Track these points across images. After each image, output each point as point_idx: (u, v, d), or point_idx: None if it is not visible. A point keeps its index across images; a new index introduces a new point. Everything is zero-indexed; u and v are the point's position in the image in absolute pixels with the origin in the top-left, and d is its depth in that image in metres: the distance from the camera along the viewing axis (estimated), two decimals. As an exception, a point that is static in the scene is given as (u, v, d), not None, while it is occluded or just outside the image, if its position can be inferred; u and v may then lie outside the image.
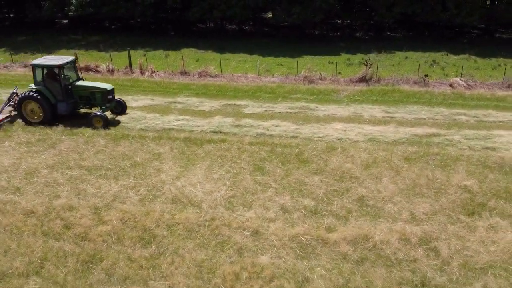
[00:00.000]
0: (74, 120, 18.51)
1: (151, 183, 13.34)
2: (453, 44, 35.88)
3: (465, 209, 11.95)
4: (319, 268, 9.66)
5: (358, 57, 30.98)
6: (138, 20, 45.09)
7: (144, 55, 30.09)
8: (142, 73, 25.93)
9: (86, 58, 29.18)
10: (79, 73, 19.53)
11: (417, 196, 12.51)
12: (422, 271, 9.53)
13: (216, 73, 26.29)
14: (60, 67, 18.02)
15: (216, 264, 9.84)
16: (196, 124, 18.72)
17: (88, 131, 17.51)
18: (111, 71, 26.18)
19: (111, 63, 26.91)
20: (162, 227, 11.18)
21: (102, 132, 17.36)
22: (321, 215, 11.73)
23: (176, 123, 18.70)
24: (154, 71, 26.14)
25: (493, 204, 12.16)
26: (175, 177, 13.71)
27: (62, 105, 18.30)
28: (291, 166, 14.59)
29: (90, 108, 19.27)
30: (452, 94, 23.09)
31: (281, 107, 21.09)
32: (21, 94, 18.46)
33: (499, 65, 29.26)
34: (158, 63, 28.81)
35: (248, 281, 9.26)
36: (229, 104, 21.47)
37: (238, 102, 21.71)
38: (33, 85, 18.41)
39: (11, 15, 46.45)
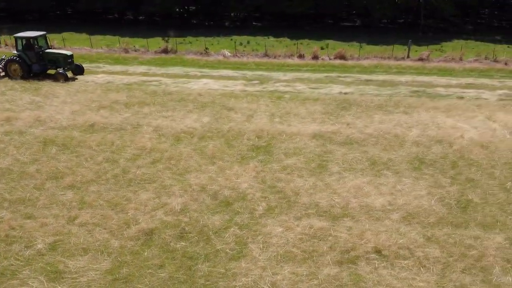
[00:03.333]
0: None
1: None
2: (296, 30, 44.37)
3: (129, 105, 20.39)
4: None
5: (190, 39, 39.69)
6: (58, 12, 54.11)
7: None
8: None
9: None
10: (49, 43, 26.99)
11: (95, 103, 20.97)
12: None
13: (60, 46, 34.84)
14: (34, 38, 25.15)
15: None
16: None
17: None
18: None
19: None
20: None
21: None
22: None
23: None
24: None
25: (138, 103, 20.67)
26: None
27: (35, 66, 25.38)
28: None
29: (56, 69, 25.62)
30: (218, 61, 31.59)
31: (84, 65, 29.48)
32: (6, 58, 25.55)
33: (283, 41, 38.00)
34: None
35: None
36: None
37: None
38: (15, 51, 25.60)
39: None
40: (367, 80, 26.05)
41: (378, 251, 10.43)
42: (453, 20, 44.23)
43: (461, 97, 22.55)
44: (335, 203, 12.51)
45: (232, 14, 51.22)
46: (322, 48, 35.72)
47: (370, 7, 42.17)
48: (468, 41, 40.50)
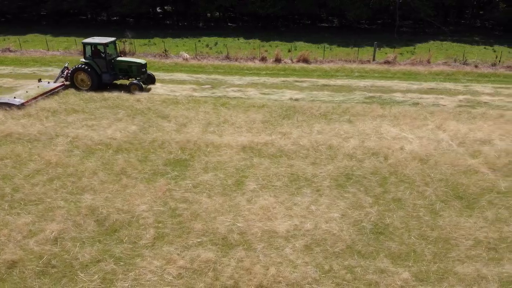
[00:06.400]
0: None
1: None
2: (271, 31, 43.43)
3: (56, 113, 19.00)
4: None
5: (156, 40, 38.35)
6: (33, 13, 52.80)
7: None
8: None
9: None
10: (118, 50, 24.36)
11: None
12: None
13: (16, 49, 33.46)
14: (105, 45, 22.33)
15: None
16: None
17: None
18: None
19: None
20: None
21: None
22: None
23: None
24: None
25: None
26: None
27: (106, 76, 22.88)
28: None
29: (128, 79, 23.58)
30: (175, 63, 30.19)
31: (34, 69, 28.14)
32: (73, 67, 22.80)
33: (252, 43, 36.57)
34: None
35: None
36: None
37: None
38: (83, 59, 22.85)
39: None
40: (324, 85, 24.65)
41: (261, 289, 9.04)
42: (431, 21, 42.81)
43: (416, 104, 21.15)
44: (236, 228, 11.10)
45: (208, 15, 49.94)
46: (289, 51, 34.42)
47: (344, 7, 40.78)
48: (445, 42, 39.19)
